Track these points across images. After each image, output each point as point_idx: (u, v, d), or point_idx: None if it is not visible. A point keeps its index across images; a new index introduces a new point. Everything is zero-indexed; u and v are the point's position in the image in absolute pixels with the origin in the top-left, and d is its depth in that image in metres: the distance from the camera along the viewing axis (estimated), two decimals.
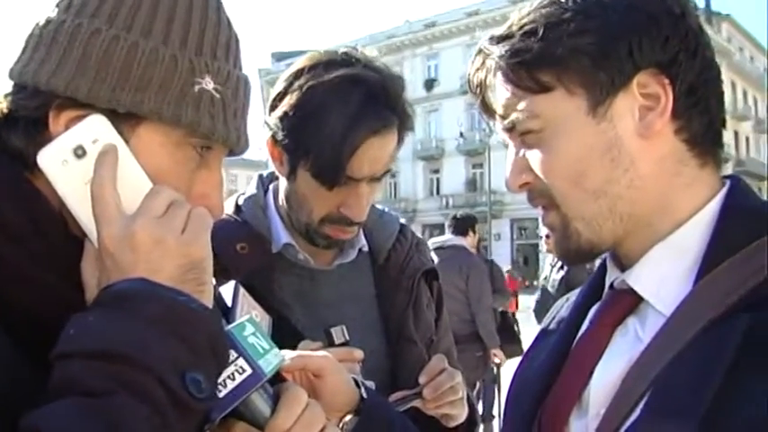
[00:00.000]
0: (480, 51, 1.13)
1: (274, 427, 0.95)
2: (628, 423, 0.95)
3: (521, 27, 1.07)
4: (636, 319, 1.06)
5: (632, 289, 1.06)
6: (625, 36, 1.01)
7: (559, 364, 1.14)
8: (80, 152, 0.92)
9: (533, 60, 1.04)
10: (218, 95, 0.99)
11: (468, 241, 7.17)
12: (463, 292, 6.65)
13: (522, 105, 1.07)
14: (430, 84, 50.15)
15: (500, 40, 1.09)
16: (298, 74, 1.62)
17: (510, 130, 1.10)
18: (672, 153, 1.05)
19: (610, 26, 1.02)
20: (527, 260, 44.31)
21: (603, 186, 1.04)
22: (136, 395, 0.78)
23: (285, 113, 1.60)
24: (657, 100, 1.02)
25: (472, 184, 48.86)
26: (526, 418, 1.13)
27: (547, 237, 8.31)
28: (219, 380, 0.90)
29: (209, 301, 0.93)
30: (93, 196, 0.91)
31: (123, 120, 0.94)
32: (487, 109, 1.14)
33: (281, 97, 1.63)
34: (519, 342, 7.54)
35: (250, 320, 1.00)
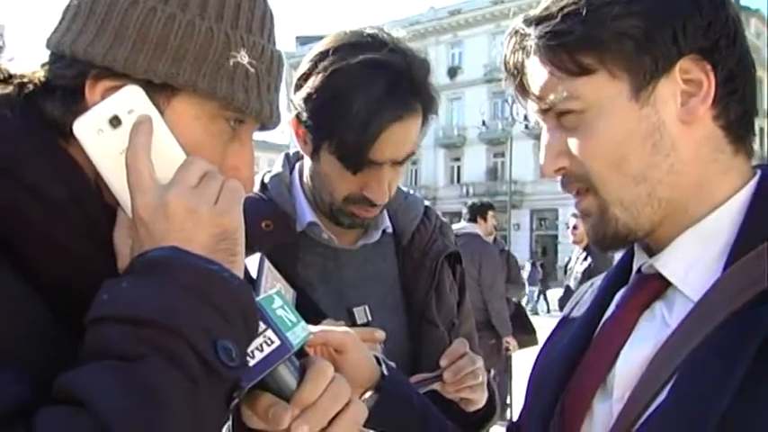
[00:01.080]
0: (516, 32, 1.12)
1: (300, 399, 0.96)
2: (653, 407, 0.95)
3: (561, 8, 1.06)
4: (663, 303, 1.06)
5: (660, 274, 1.06)
6: (670, 21, 1.00)
7: (583, 348, 1.14)
8: (115, 122, 0.93)
9: (576, 42, 1.04)
10: (252, 70, 0.99)
11: (482, 229, 7.15)
12: (476, 280, 6.62)
13: (561, 87, 1.06)
14: (453, 71, 49.98)
15: (539, 21, 1.08)
16: (323, 55, 1.61)
17: (545, 111, 1.10)
18: (710, 139, 1.04)
19: (655, 10, 1.01)
20: (545, 251, 44.23)
21: (644, 171, 1.04)
22: (168, 360, 0.79)
23: (309, 95, 1.60)
24: (699, 86, 1.02)
25: (493, 173, 48.74)
26: (549, 401, 1.13)
27: (574, 228, 8.42)
28: (248, 350, 0.91)
29: (240, 272, 0.94)
30: (128, 165, 0.92)
31: (159, 91, 0.95)
32: (523, 91, 1.13)
33: (305, 77, 1.63)
34: (533, 332, 7.53)
35: (278, 293, 1.00)
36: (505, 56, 1.15)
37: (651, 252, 1.11)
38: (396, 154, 1.60)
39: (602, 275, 1.29)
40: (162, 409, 0.76)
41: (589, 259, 8.05)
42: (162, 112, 0.95)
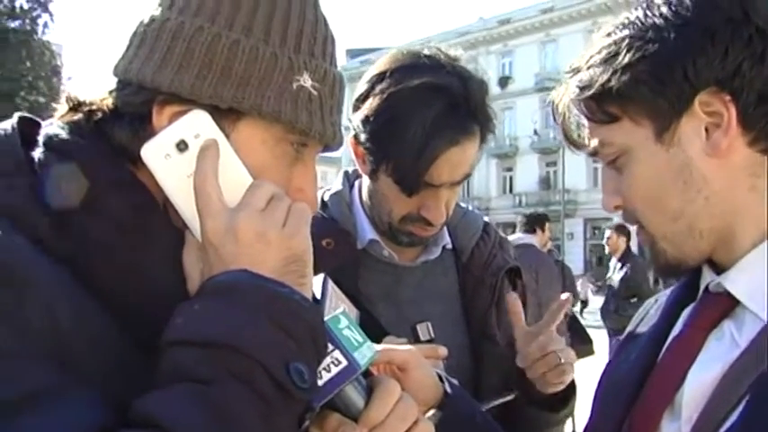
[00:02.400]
0: (563, 82, 1.16)
1: (368, 418, 0.97)
2: (723, 429, 0.94)
3: (588, 58, 1.09)
4: (732, 323, 1.04)
5: (728, 292, 1.05)
6: (678, 60, 1.00)
7: (650, 367, 1.14)
8: (182, 146, 0.95)
9: (597, 94, 1.06)
10: (315, 92, 1.01)
11: (538, 239, 7.14)
12: (533, 291, 6.58)
13: (596, 134, 1.10)
14: (504, 81, 49.76)
15: (573, 72, 1.12)
16: (380, 77, 1.62)
17: (594, 155, 1.13)
18: (746, 167, 1.03)
19: (662, 53, 1.01)
20: (600, 260, 43.60)
21: (681, 207, 1.05)
22: (243, 383, 0.80)
23: (367, 117, 1.61)
24: (722, 117, 1.00)
25: (546, 183, 48.37)
26: (616, 420, 1.12)
27: (608, 238, 8.43)
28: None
29: (308, 294, 0.95)
30: (196, 189, 0.93)
31: (224, 115, 0.96)
32: (569, 138, 1.19)
33: (363, 99, 1.64)
34: (590, 342, 7.51)
35: (344, 313, 1.01)
36: (554, 103, 1.20)
37: (718, 270, 1.09)
38: (453, 176, 1.60)
39: (666, 291, 1.28)
40: (240, 430, 0.78)
41: (625, 268, 8.05)
42: (228, 136, 0.97)
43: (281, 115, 0.97)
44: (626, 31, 1.06)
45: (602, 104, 1.07)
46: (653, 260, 1.12)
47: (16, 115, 1.03)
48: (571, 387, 1.67)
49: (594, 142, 1.11)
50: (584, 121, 1.12)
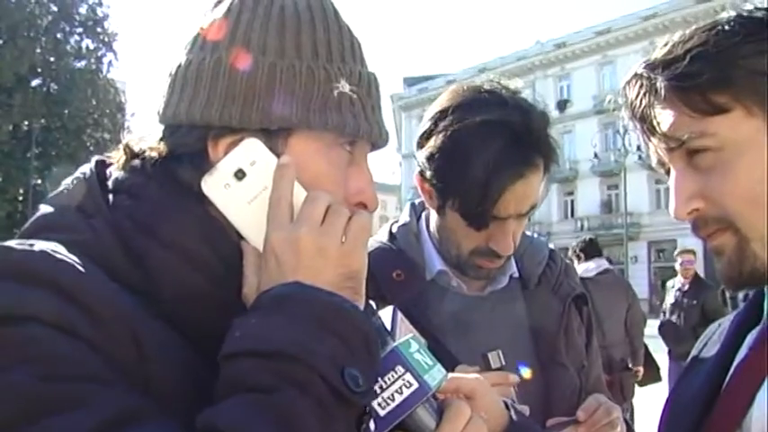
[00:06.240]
0: (640, 76, 1.14)
1: None
2: None
3: (688, 50, 1.07)
4: None
5: None
6: None
7: (716, 392, 1.14)
8: (240, 175, 1.00)
9: (708, 84, 1.05)
10: (355, 96, 1.05)
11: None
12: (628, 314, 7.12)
13: (694, 126, 1.06)
14: (562, 105, 49.27)
15: (666, 64, 1.10)
16: (443, 114, 1.66)
17: (673, 150, 1.10)
18: None
19: None
20: (665, 283, 42.39)
21: None
22: (300, 390, 0.83)
23: (432, 154, 1.65)
24: None
25: (607, 206, 47.56)
26: None
27: (688, 261, 8.24)
28: (387, 394, 0.94)
29: (362, 307, 0.98)
30: (272, 203, 0.99)
31: (275, 135, 1.01)
32: (651, 132, 1.13)
33: (427, 136, 1.68)
34: (657, 369, 7.57)
35: (414, 338, 1.04)
36: (631, 100, 1.16)
37: None
38: (519, 209, 1.63)
39: (730, 316, 1.29)
40: None
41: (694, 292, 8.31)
42: (282, 155, 1.01)
43: (328, 123, 1.02)
44: (731, 29, 1.06)
45: (709, 95, 1.04)
46: (733, 266, 1.08)
47: (94, 159, 1.10)
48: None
49: (687, 134, 1.06)
50: (674, 116, 1.08)
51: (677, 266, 8.88)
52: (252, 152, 1.01)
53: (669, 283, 9.12)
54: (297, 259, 0.94)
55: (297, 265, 0.94)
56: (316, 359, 0.85)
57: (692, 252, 8.74)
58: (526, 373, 1.67)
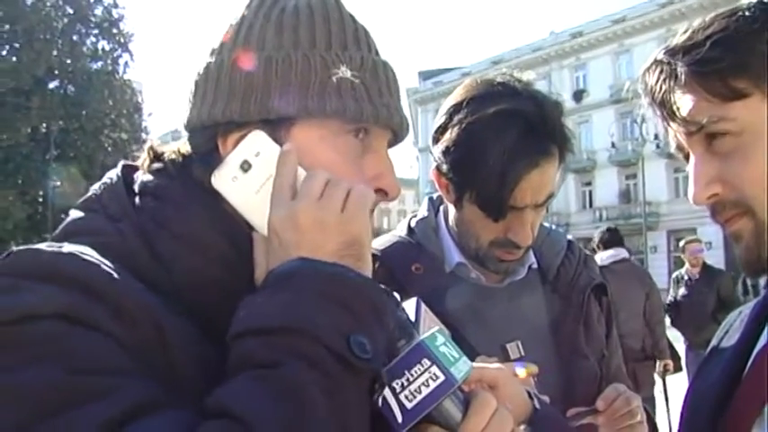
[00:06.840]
0: (660, 62, 1.14)
1: (466, 430, 0.99)
2: None
3: (708, 36, 1.08)
4: None
5: None
6: None
7: (737, 378, 1.15)
8: (246, 166, 1.04)
9: (728, 69, 1.05)
10: (357, 80, 1.06)
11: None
12: (644, 303, 7.03)
13: (714, 110, 1.07)
14: (579, 95, 49.03)
15: (686, 50, 1.10)
16: (457, 107, 1.68)
17: (693, 134, 1.11)
18: None
19: None
20: None
21: None
22: (305, 361, 0.84)
23: (447, 148, 1.67)
24: None
25: (626, 196, 47.33)
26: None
27: (698, 251, 8.21)
28: (414, 387, 0.96)
29: (367, 273, 1.00)
30: (274, 187, 1.01)
31: (278, 126, 1.04)
32: (671, 117, 1.14)
33: (442, 130, 1.70)
34: (678, 359, 7.50)
35: (440, 331, 1.05)
36: (651, 85, 1.16)
37: None
38: (536, 198, 1.64)
39: (750, 304, 1.29)
40: (306, 408, 0.82)
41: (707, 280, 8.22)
42: (284, 144, 1.04)
43: (327, 108, 1.03)
44: (751, 15, 1.07)
45: (729, 80, 1.05)
46: (752, 251, 1.08)
47: (120, 163, 1.15)
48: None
49: (707, 118, 1.07)
50: (694, 102, 1.09)
51: (684, 257, 8.80)
52: (256, 144, 1.04)
53: (675, 275, 9.01)
54: (297, 235, 0.97)
55: (298, 240, 0.96)
56: (319, 330, 0.86)
57: (700, 240, 8.68)
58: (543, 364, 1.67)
